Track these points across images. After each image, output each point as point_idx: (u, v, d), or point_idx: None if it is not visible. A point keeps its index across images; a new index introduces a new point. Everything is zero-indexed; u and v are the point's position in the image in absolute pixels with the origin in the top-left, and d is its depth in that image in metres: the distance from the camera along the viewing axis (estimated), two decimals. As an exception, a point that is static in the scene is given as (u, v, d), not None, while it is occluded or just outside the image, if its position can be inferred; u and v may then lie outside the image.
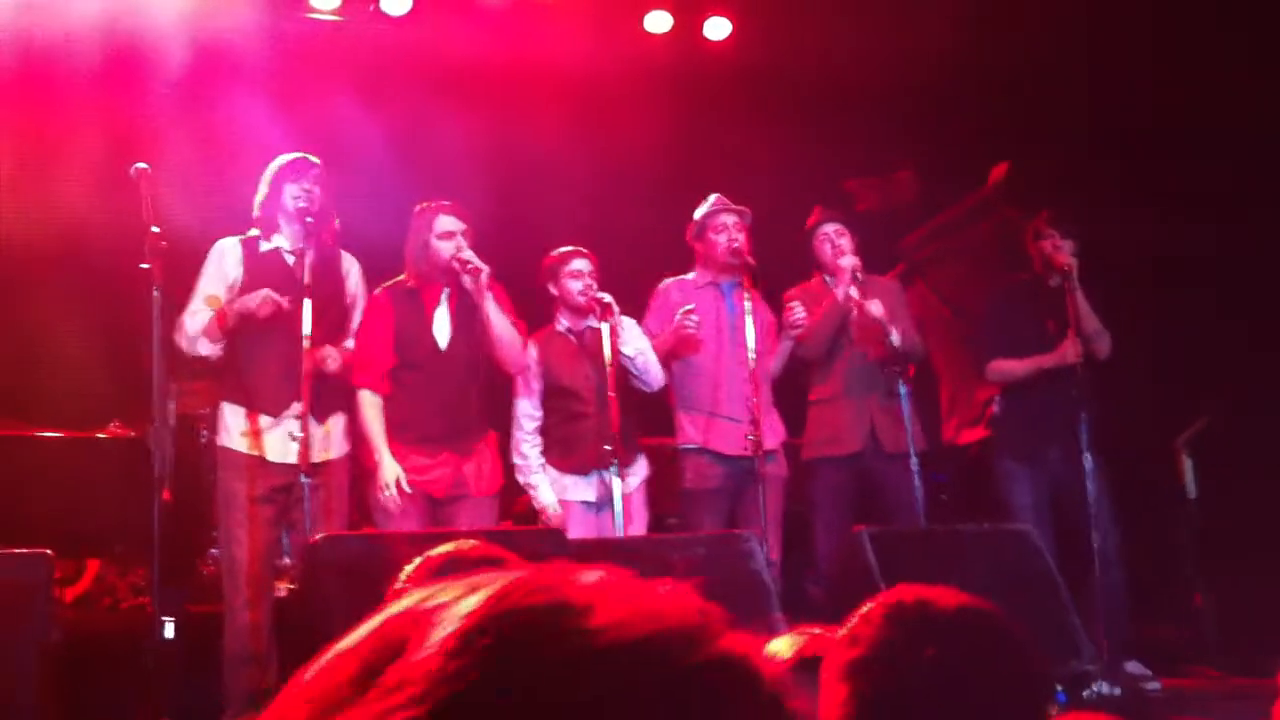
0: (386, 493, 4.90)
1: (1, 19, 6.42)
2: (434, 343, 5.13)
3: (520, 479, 5.35)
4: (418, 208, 5.20)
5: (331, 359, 4.86)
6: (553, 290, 5.43)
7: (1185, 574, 6.44)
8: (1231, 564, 6.15)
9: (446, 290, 5.15)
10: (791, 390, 5.89)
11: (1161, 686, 5.36)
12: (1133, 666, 5.41)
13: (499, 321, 5.05)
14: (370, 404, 5.04)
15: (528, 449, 5.34)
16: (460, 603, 0.59)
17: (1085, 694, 4.76)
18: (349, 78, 6.92)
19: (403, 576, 1.86)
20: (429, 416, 5.06)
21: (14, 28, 6.41)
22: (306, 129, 6.02)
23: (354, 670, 0.59)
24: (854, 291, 5.56)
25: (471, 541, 1.93)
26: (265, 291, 4.75)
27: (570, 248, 5.42)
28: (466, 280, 5.02)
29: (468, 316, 5.11)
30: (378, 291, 5.19)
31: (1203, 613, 6.28)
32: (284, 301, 4.72)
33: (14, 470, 5.67)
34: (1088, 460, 5.43)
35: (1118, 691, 5.04)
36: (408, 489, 4.92)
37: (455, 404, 5.11)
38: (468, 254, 5.00)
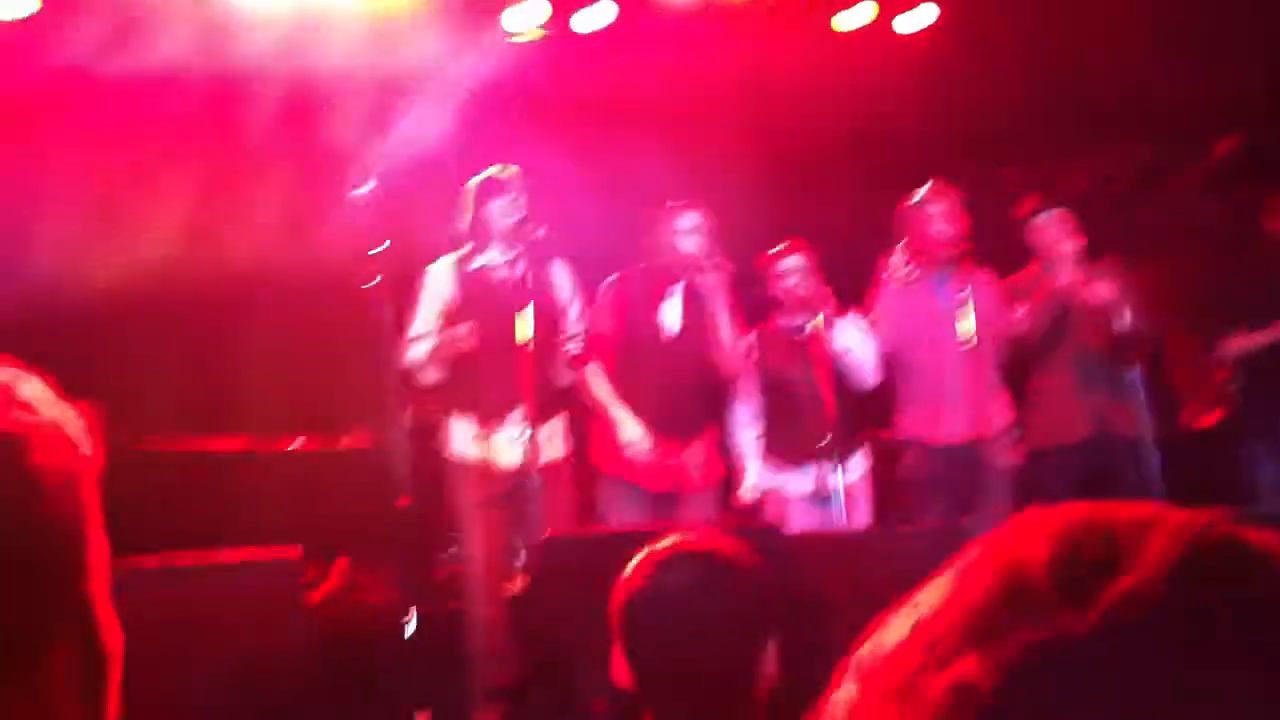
0: (631, 450, 5.08)
1: (187, 50, 6.69)
2: (662, 331, 5.25)
3: (736, 462, 5.45)
4: (668, 204, 5.33)
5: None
6: (769, 289, 5.50)
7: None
8: None
9: (682, 283, 5.25)
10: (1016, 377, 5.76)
11: None
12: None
13: (725, 323, 5.15)
14: (595, 374, 5.21)
15: (743, 435, 5.45)
16: (1160, 524, 0.58)
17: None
18: (544, 99, 7.04)
19: (629, 569, 1.93)
20: (650, 403, 5.17)
21: (213, 48, 6.68)
22: (496, 149, 6.17)
23: (1044, 578, 0.57)
24: (1079, 277, 5.39)
25: (695, 534, 1.98)
26: (465, 326, 4.94)
27: (784, 245, 5.48)
28: (708, 278, 5.13)
29: (698, 311, 5.20)
30: (613, 278, 5.34)
31: None
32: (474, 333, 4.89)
33: (265, 480, 6.03)
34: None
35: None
36: (646, 443, 5.09)
37: (677, 394, 5.21)
38: (714, 253, 5.15)
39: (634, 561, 1.93)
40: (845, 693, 0.62)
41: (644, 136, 6.85)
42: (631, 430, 5.12)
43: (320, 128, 6.76)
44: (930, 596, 0.61)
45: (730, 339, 5.20)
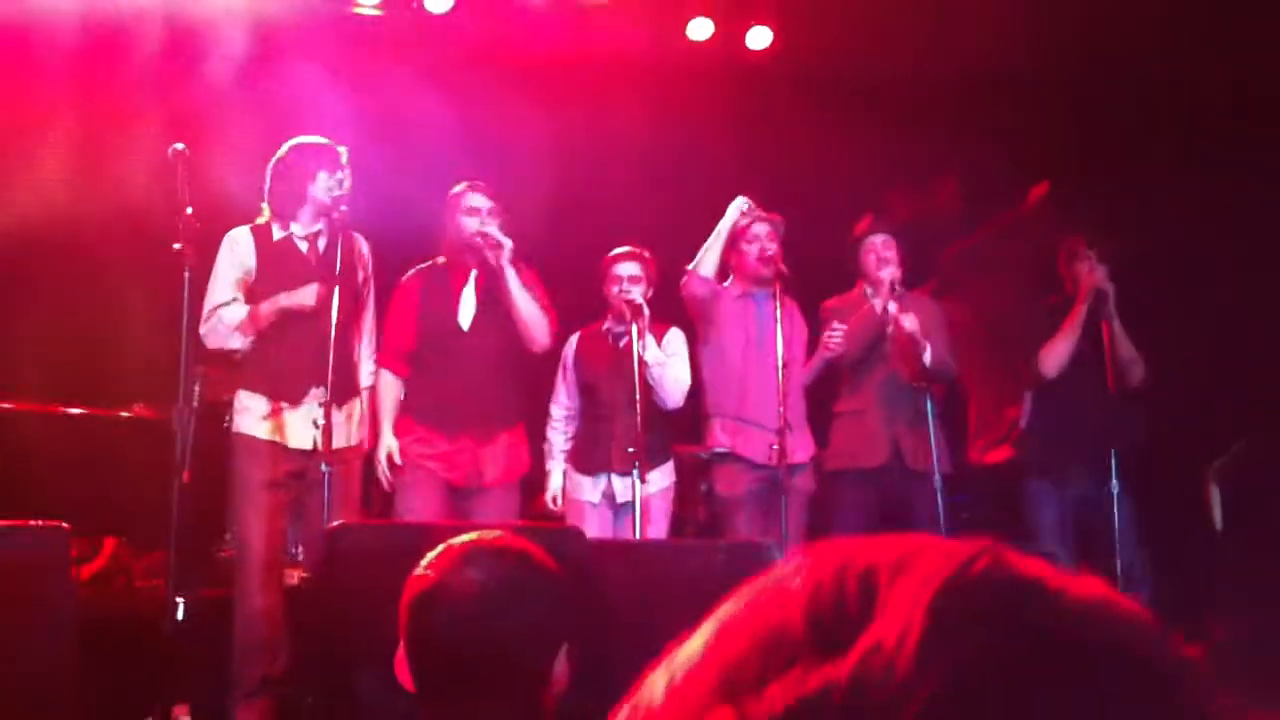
0: (379, 470, 4.99)
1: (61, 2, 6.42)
2: (456, 324, 5.12)
3: (547, 465, 5.44)
4: (452, 191, 5.21)
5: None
6: (604, 291, 5.47)
7: (1210, 605, 6.35)
8: (1255, 597, 6.06)
9: (474, 272, 5.14)
10: (819, 402, 5.84)
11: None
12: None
13: (520, 296, 5.04)
14: (387, 384, 5.10)
15: (553, 435, 5.45)
16: (919, 561, 0.53)
17: None
18: (398, 66, 6.91)
19: (424, 564, 1.82)
20: (449, 399, 5.06)
21: (72, 9, 6.41)
22: (357, 113, 6.01)
23: (805, 619, 0.52)
24: (893, 306, 5.50)
25: (495, 532, 1.89)
26: (312, 287, 4.74)
27: (624, 250, 5.43)
28: (491, 256, 5.01)
29: (494, 299, 5.09)
30: (410, 273, 5.21)
31: (1224, 645, 6.19)
32: (318, 295, 4.71)
33: (37, 445, 5.68)
34: (1115, 486, 5.39)
35: None
36: (399, 461, 5.00)
37: (476, 388, 5.09)
38: (490, 229, 5.01)
39: (429, 556, 1.83)
40: None
41: (499, 117, 6.76)
42: (382, 446, 5.05)
43: (180, 81, 6.50)
44: (686, 651, 0.56)
45: (529, 311, 5.08)
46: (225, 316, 4.77)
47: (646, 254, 5.45)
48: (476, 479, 5.07)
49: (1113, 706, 0.49)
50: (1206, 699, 0.52)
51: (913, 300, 5.73)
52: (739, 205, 5.52)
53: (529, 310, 5.06)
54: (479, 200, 5.15)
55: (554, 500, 5.35)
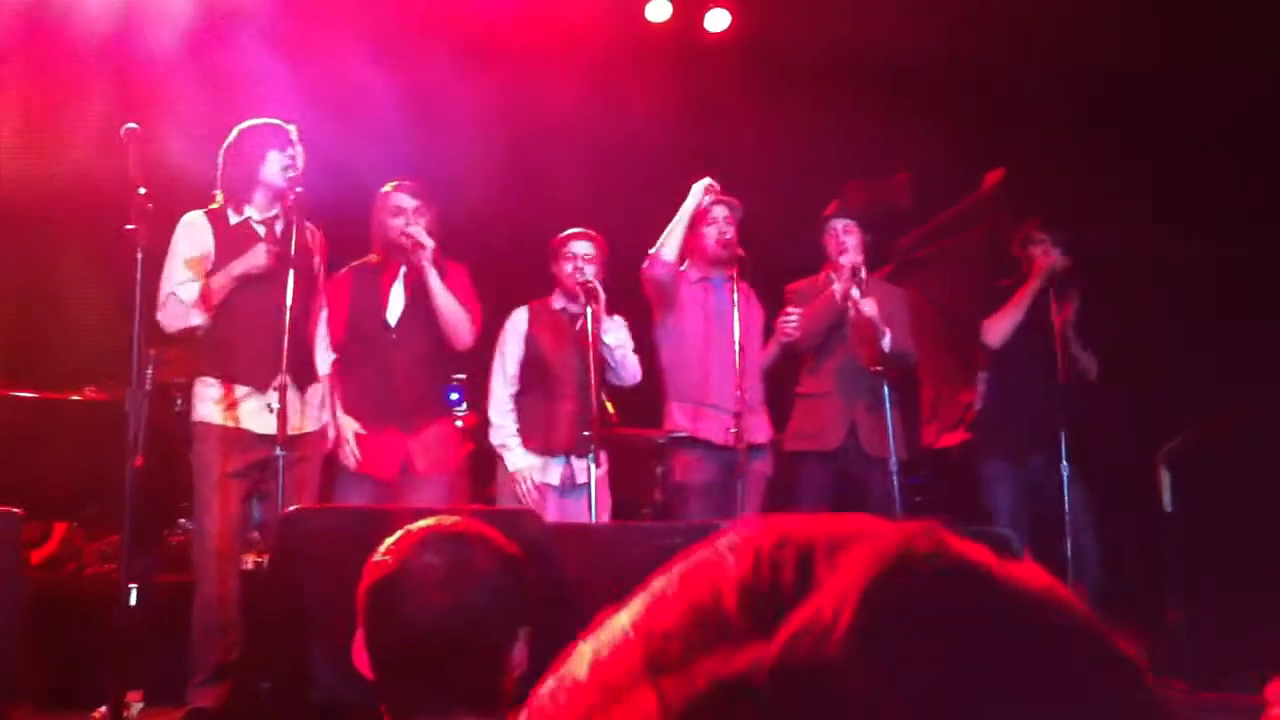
0: (346, 448, 5.00)
1: None
2: (384, 319, 5.15)
3: (494, 441, 5.35)
4: (382, 189, 5.23)
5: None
6: (553, 270, 5.45)
7: (1160, 587, 6.44)
8: (1207, 579, 6.15)
9: (403, 269, 5.15)
10: (781, 384, 5.86)
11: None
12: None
13: (443, 297, 5.08)
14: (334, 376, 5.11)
15: (501, 415, 5.35)
16: (859, 540, 0.52)
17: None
18: (349, 41, 6.85)
19: (382, 549, 1.81)
20: (374, 393, 5.09)
21: None
22: (314, 86, 5.96)
23: (739, 598, 0.51)
24: (855, 292, 5.51)
25: (454, 517, 1.88)
26: (261, 246, 4.71)
27: (577, 230, 5.43)
28: (414, 257, 5.07)
29: (423, 296, 5.10)
30: (343, 270, 5.22)
31: (1177, 627, 6.28)
32: (270, 254, 4.67)
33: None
34: (1065, 468, 5.45)
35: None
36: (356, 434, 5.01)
37: (402, 382, 5.12)
38: (413, 229, 5.06)
39: (388, 542, 1.81)
40: None
41: (458, 89, 6.72)
42: (345, 425, 5.05)
43: (134, 56, 6.42)
44: (613, 625, 0.54)
45: (451, 314, 5.09)
46: (181, 294, 4.72)
47: (596, 235, 5.45)
48: (408, 470, 5.07)
49: (1054, 697, 0.48)
50: (1149, 690, 0.51)
51: (878, 287, 5.75)
52: (702, 186, 5.49)
53: (452, 310, 5.10)
54: (404, 200, 5.17)
55: (523, 476, 5.27)
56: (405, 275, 5.19)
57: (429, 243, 5.03)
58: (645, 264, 5.54)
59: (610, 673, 0.52)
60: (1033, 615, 0.50)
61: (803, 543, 0.52)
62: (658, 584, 0.55)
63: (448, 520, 1.85)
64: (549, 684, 0.55)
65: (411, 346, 5.13)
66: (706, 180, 5.49)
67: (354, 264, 5.26)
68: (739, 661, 0.49)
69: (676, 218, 5.49)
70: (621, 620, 0.54)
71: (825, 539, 0.52)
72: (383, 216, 5.19)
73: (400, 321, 5.16)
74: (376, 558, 1.80)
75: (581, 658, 0.54)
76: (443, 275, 5.11)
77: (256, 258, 4.69)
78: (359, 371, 5.11)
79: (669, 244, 5.48)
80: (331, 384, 5.06)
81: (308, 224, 4.91)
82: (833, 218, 5.78)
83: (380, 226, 5.21)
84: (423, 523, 1.83)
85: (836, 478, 5.61)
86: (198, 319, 4.76)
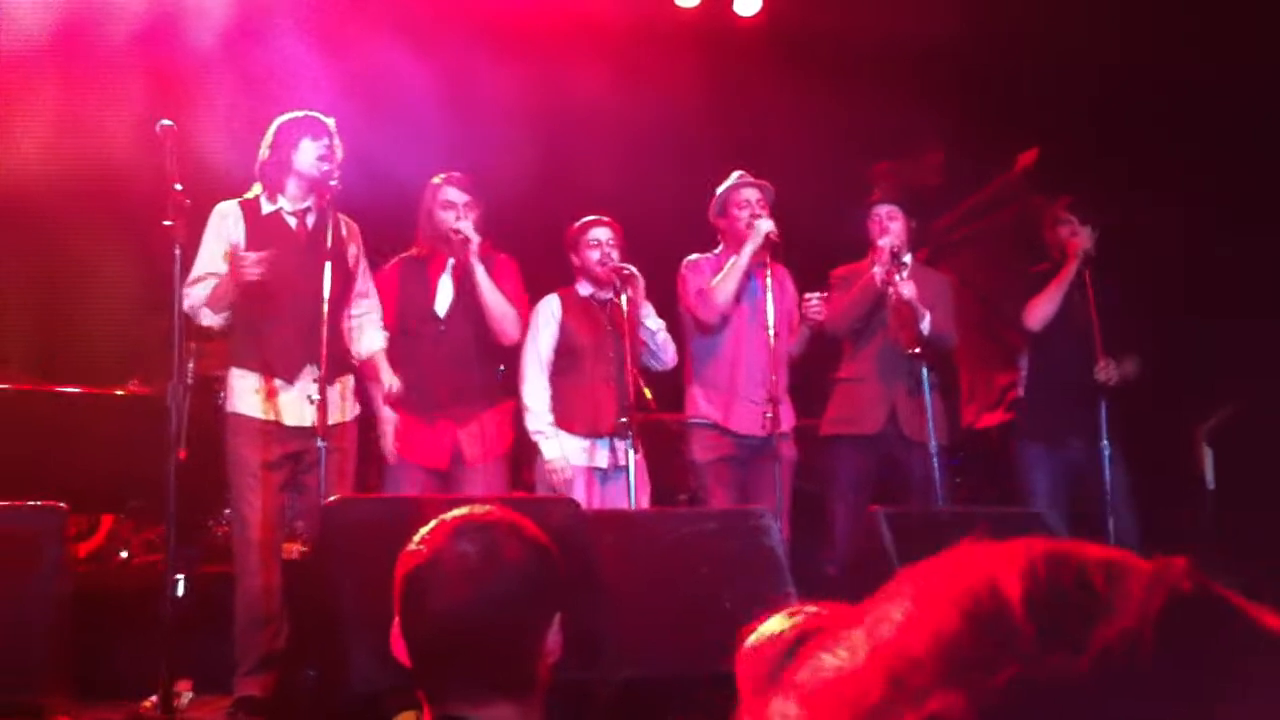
0: (385, 442, 5.06)
1: None
2: (433, 311, 5.18)
3: (530, 428, 5.33)
4: (431, 180, 5.23)
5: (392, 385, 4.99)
6: (574, 259, 5.46)
7: (1202, 565, 6.39)
8: (1250, 555, 6.11)
9: (451, 260, 5.18)
10: (812, 370, 5.86)
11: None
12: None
13: (490, 294, 5.11)
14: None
15: (536, 400, 5.33)
16: (1129, 566, 0.59)
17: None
18: (391, 28, 6.87)
19: (416, 539, 1.84)
20: (426, 384, 5.13)
21: None
22: (347, 79, 6.00)
23: (1016, 612, 0.57)
24: (901, 276, 5.48)
25: (487, 506, 1.90)
26: (256, 255, 4.66)
27: (592, 217, 5.44)
28: (461, 253, 5.10)
29: (471, 288, 5.13)
30: (390, 262, 5.24)
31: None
32: (263, 263, 4.64)
33: (33, 424, 5.69)
34: (1106, 447, 5.42)
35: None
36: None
37: (453, 372, 5.15)
38: (462, 225, 5.08)
39: (422, 531, 1.84)
40: (784, 711, 0.60)
41: (488, 79, 6.75)
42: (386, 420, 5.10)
43: (169, 52, 6.47)
44: (881, 625, 0.59)
45: (498, 309, 5.12)
46: (192, 295, 4.74)
47: (611, 221, 5.45)
48: (459, 459, 5.11)
49: None
50: None
51: (919, 270, 5.74)
52: (764, 230, 5.37)
53: (498, 306, 5.14)
54: (455, 195, 5.19)
55: (558, 464, 5.27)
56: (453, 267, 5.22)
57: (475, 238, 5.05)
58: (694, 296, 5.51)
59: (893, 659, 0.57)
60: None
61: (1074, 566, 0.59)
62: (908, 591, 0.60)
63: (480, 510, 1.87)
64: (808, 667, 0.60)
65: (460, 337, 5.16)
66: (769, 224, 5.41)
67: (401, 256, 5.27)
68: (1044, 668, 0.54)
69: (735, 263, 5.45)
70: (893, 613, 0.59)
71: (1094, 565, 0.59)
72: (433, 209, 5.21)
73: (449, 313, 5.20)
74: (410, 547, 1.83)
75: (856, 643, 0.59)
76: (491, 268, 5.14)
77: (248, 269, 4.62)
78: (409, 363, 5.14)
79: (723, 288, 5.44)
80: (374, 369, 5.06)
81: (343, 216, 4.94)
82: (877, 203, 5.76)
83: (429, 218, 5.23)
84: (456, 512, 1.86)
85: (876, 461, 5.60)
86: (209, 319, 4.80)
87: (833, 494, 5.68)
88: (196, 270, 4.78)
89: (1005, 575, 0.58)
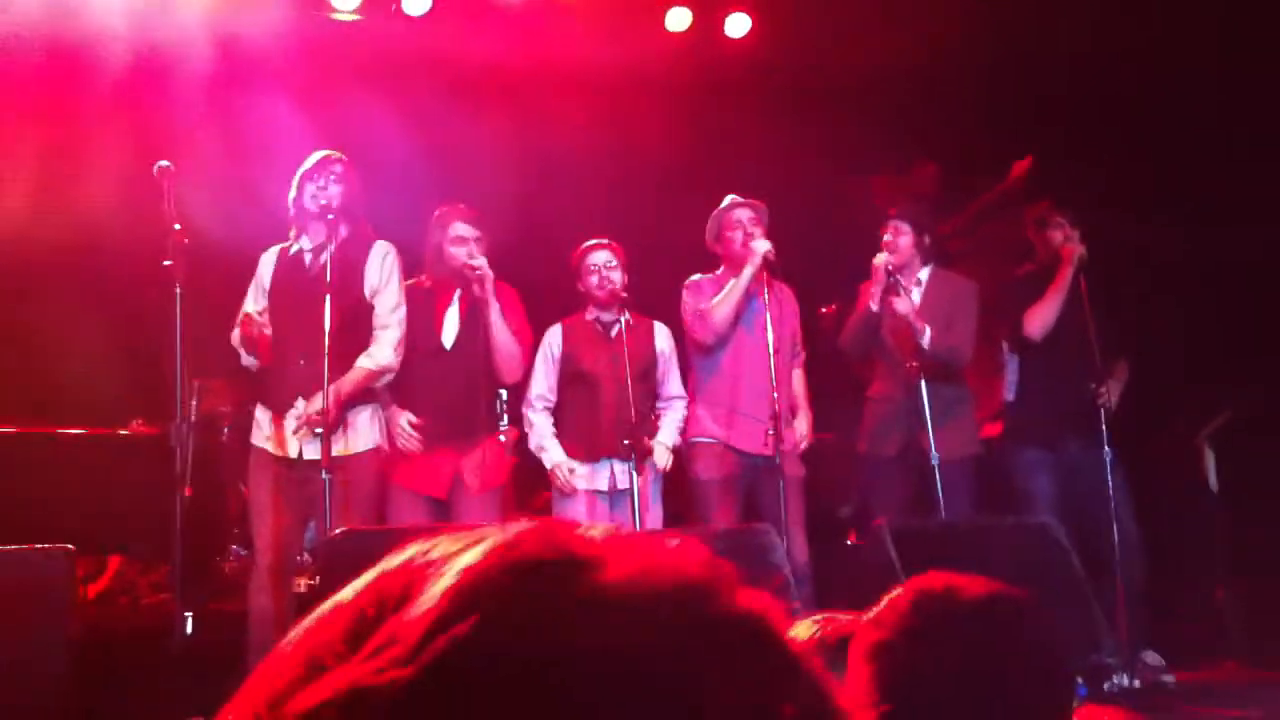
0: (400, 434, 5.06)
1: (29, 20, 6.45)
2: (439, 342, 5.22)
3: (532, 444, 5.42)
4: (437, 212, 5.28)
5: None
6: (579, 285, 5.52)
7: (1207, 568, 6.40)
8: (1254, 557, 6.11)
9: (458, 292, 5.22)
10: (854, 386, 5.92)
11: (1175, 680, 5.34)
12: (1150, 656, 5.39)
13: (501, 335, 5.16)
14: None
15: (539, 419, 5.43)
16: (462, 555, 0.55)
17: (1105, 686, 4.75)
18: (372, 77, 6.94)
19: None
20: (429, 414, 5.14)
21: (41, 28, 6.44)
22: (332, 128, 6.04)
23: (346, 625, 0.55)
24: (901, 293, 5.53)
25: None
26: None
27: (593, 242, 5.50)
28: (476, 289, 5.13)
29: (477, 318, 5.17)
30: None
31: (1224, 606, 6.25)
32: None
33: (37, 467, 5.71)
34: (1107, 453, 5.42)
35: (1137, 684, 5.03)
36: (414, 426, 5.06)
37: (457, 403, 5.18)
38: (477, 260, 5.11)
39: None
40: None
41: (472, 124, 6.79)
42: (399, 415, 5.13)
43: (152, 99, 6.52)
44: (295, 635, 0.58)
45: (506, 347, 5.16)
46: (233, 336, 4.98)
47: (612, 243, 5.50)
48: (459, 488, 5.13)
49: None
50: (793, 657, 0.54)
51: (943, 279, 5.77)
52: (761, 251, 5.41)
53: (506, 346, 5.19)
54: (465, 230, 5.23)
55: (561, 469, 5.33)
56: (460, 299, 5.26)
57: (489, 274, 5.10)
58: (692, 316, 5.56)
59: (273, 671, 0.56)
60: (616, 613, 0.53)
61: (420, 564, 0.58)
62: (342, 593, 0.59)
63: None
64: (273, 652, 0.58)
65: (465, 368, 5.19)
66: (765, 244, 5.44)
67: (406, 284, 5.32)
68: (330, 686, 0.53)
69: (734, 285, 5.49)
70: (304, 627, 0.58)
71: (445, 555, 0.57)
72: (442, 242, 5.25)
73: (455, 345, 5.24)
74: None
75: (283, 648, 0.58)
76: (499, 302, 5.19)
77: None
78: (414, 393, 5.17)
79: (720, 310, 5.49)
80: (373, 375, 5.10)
81: (376, 243, 5.03)
82: (890, 219, 5.78)
83: (437, 250, 5.26)
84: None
85: (909, 478, 5.62)
86: (245, 361, 4.99)
87: (875, 512, 5.65)
88: (242, 311, 4.95)
89: (361, 586, 0.57)
